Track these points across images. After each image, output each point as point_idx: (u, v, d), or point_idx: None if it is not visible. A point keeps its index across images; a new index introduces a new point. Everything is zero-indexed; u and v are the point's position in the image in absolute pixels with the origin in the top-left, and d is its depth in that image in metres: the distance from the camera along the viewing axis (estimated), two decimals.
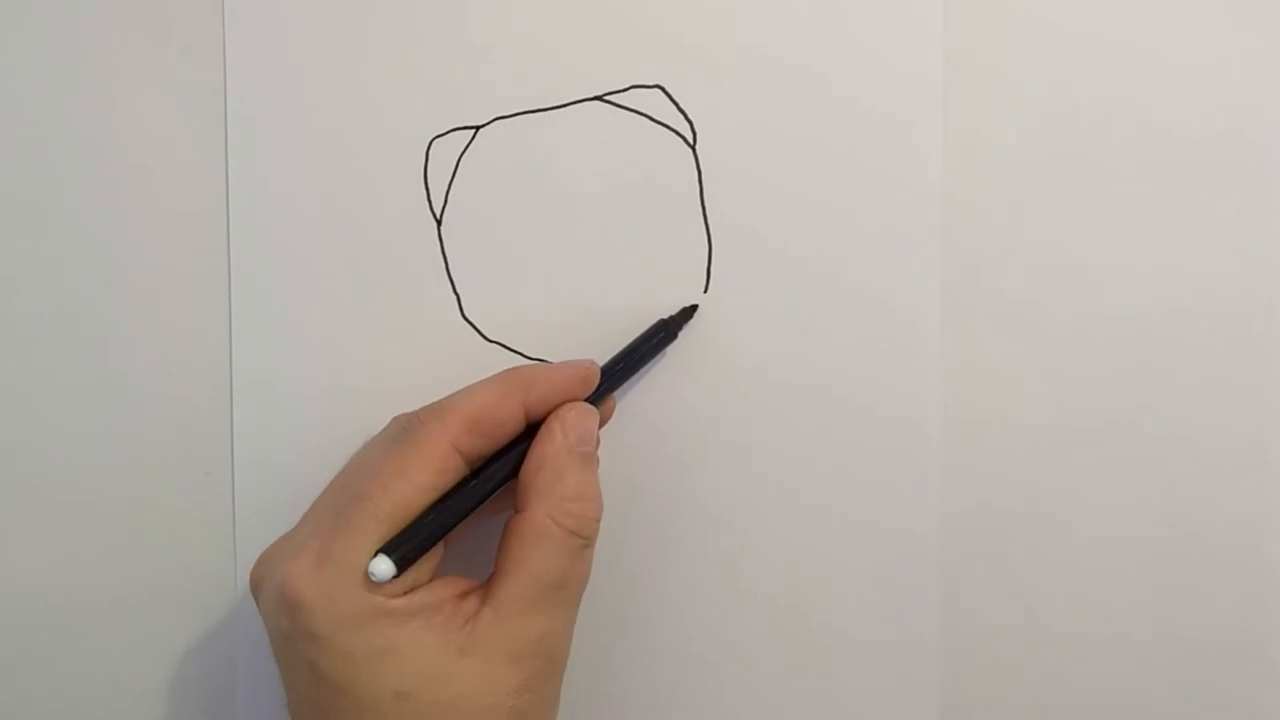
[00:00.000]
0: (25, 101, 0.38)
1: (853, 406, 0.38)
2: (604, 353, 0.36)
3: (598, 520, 0.33)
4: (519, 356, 0.38)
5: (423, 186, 0.38)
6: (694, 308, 0.37)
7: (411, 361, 0.37)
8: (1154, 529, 0.38)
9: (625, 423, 0.38)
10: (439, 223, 0.38)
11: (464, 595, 0.33)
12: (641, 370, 0.37)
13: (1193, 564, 0.38)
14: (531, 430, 0.34)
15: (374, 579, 0.31)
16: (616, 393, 0.37)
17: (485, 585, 0.33)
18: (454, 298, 0.38)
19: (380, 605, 0.31)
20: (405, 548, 0.31)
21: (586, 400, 0.34)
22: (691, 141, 0.37)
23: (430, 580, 0.33)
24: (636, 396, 0.38)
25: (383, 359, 0.38)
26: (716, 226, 0.37)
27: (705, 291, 0.37)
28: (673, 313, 0.37)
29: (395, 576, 0.31)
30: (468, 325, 0.38)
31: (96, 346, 0.38)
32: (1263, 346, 0.37)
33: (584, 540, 0.33)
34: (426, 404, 0.34)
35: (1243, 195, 0.37)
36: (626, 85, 0.37)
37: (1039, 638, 0.38)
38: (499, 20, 0.37)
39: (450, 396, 0.33)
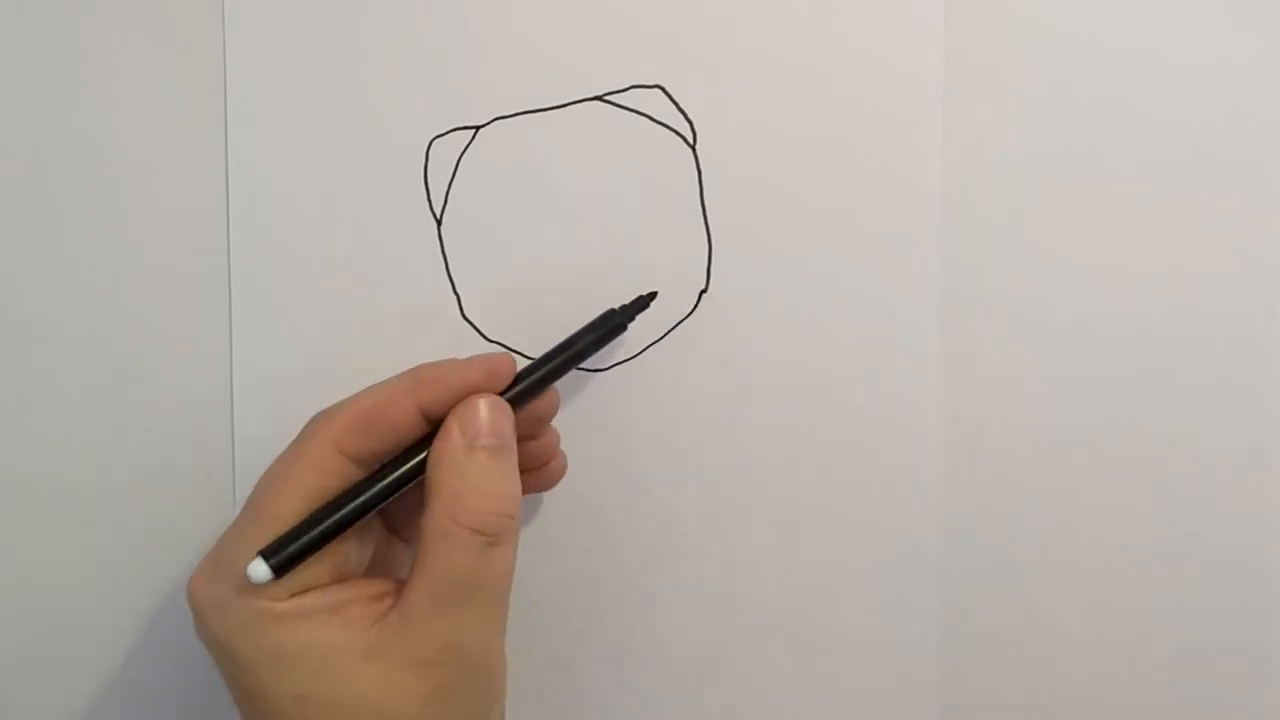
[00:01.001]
0: (25, 101, 0.37)
1: (853, 406, 0.38)
2: (607, 355, 0.36)
3: (507, 516, 0.32)
4: (519, 356, 0.38)
5: (423, 186, 0.38)
6: (651, 295, 0.36)
7: (412, 362, 0.36)
8: (1154, 529, 0.38)
9: (624, 422, 0.38)
10: (439, 223, 0.38)
11: (379, 597, 0.32)
12: (639, 370, 0.37)
13: (1193, 564, 0.38)
14: (430, 437, 0.33)
15: (253, 582, 0.30)
16: (625, 388, 0.36)
17: (401, 588, 0.32)
18: (454, 298, 0.38)
19: (265, 609, 0.31)
20: (286, 551, 0.31)
21: (518, 394, 0.33)
22: (691, 141, 0.37)
23: (332, 582, 0.32)
24: (635, 396, 0.38)
25: (383, 359, 0.38)
26: (716, 226, 0.37)
27: (705, 291, 0.37)
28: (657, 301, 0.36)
29: (274, 580, 0.30)
30: (468, 325, 0.38)
31: (96, 347, 0.38)
32: (1263, 346, 0.37)
33: (489, 538, 0.31)
34: None
35: (1243, 195, 0.37)
36: (626, 85, 0.37)
37: (1039, 638, 0.38)
38: (499, 20, 0.37)
39: (350, 396, 0.33)
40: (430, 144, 0.37)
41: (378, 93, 0.37)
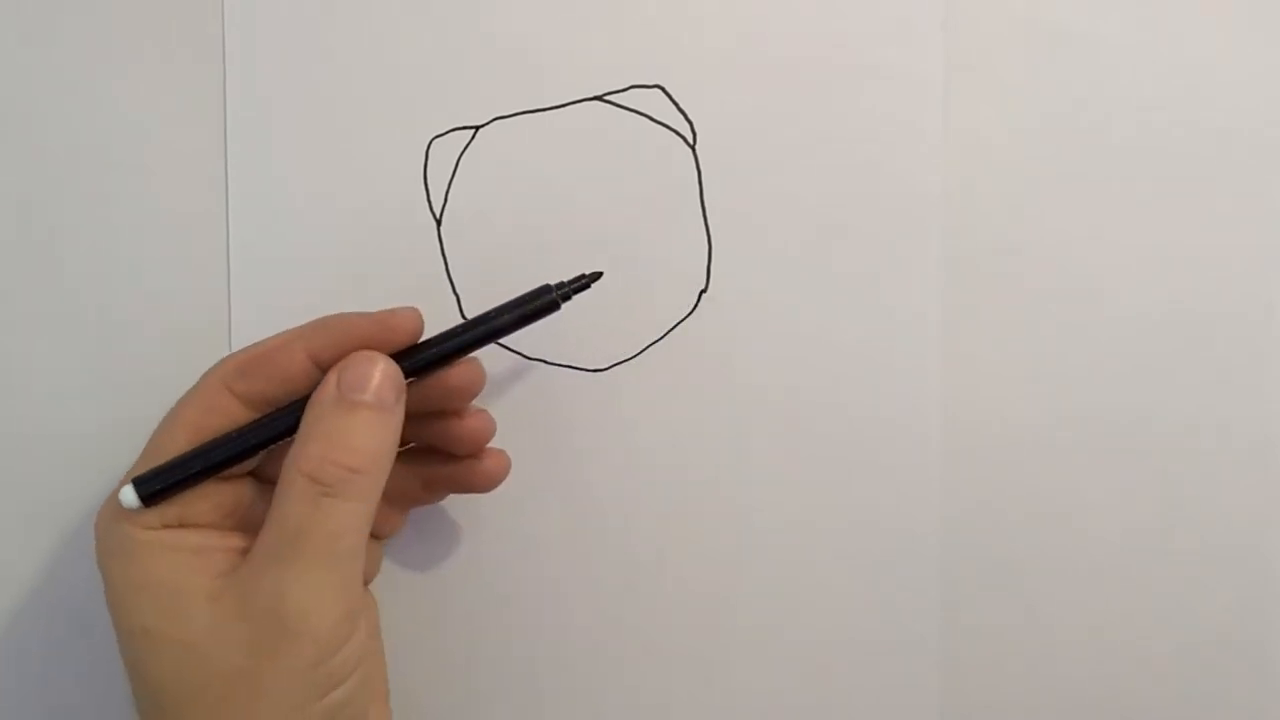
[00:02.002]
0: (25, 101, 0.37)
1: (852, 406, 0.38)
2: (607, 355, 0.36)
3: (349, 470, 0.30)
4: (519, 357, 0.38)
5: (423, 186, 0.38)
6: (595, 275, 0.34)
7: None
8: (1154, 528, 0.38)
9: (624, 422, 0.38)
10: (439, 223, 0.38)
11: (245, 552, 0.31)
12: (639, 370, 0.37)
13: (1193, 564, 0.38)
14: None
15: (124, 507, 0.31)
16: (625, 388, 0.36)
17: None
18: (454, 298, 0.38)
19: (130, 536, 0.31)
20: (158, 480, 0.31)
21: (418, 360, 0.32)
22: (691, 141, 0.37)
23: (212, 526, 0.32)
24: (635, 396, 0.38)
25: None
26: (716, 226, 0.37)
27: (705, 291, 0.37)
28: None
29: (144, 508, 0.31)
30: None
31: (96, 347, 0.38)
32: (1263, 346, 0.37)
33: (323, 487, 0.30)
34: None
35: (1243, 195, 0.37)
36: (626, 85, 0.37)
37: (1039, 638, 0.38)
38: (499, 20, 0.37)
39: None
40: (430, 144, 0.37)
41: (378, 93, 0.37)
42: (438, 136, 0.37)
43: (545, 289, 0.33)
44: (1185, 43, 0.37)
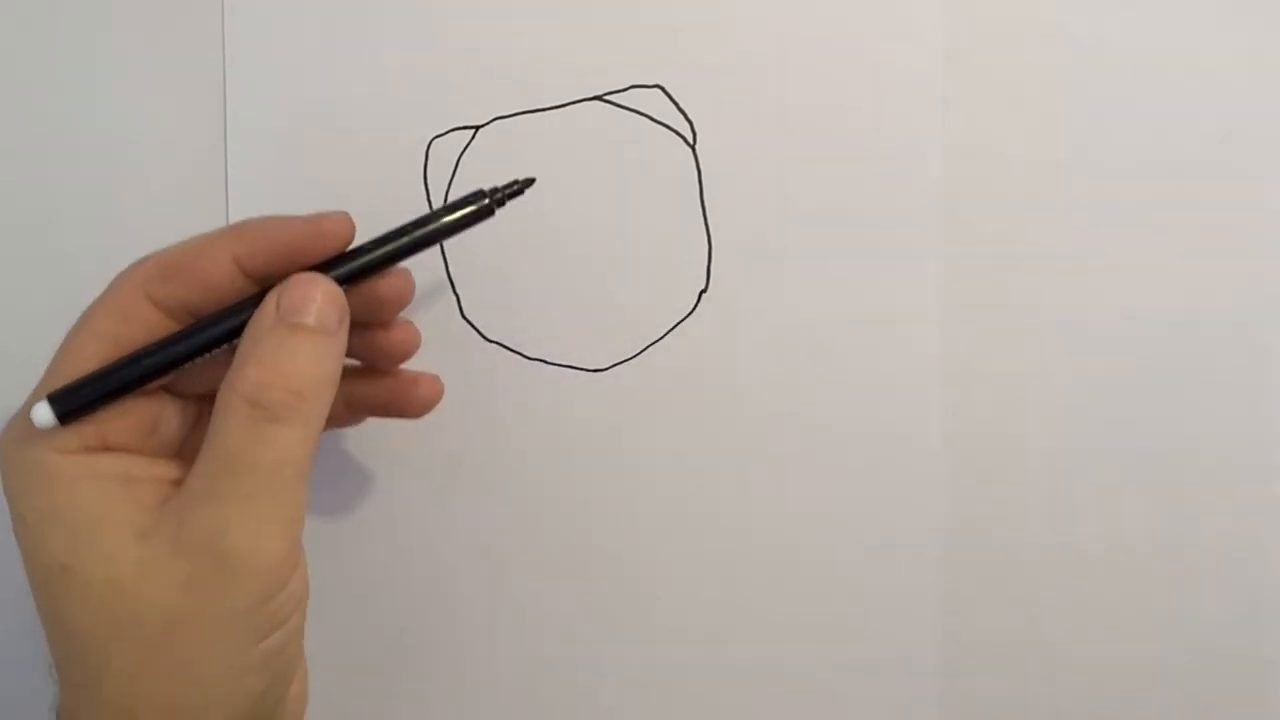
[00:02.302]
0: (24, 101, 0.37)
1: (852, 407, 0.38)
2: (607, 355, 0.36)
3: (293, 394, 0.28)
4: (519, 357, 0.38)
5: (423, 186, 0.38)
6: (529, 181, 0.32)
7: (412, 361, 0.37)
8: (1154, 533, 0.38)
9: (624, 422, 0.38)
10: None
11: (175, 481, 0.29)
12: (639, 370, 0.37)
13: (1193, 568, 0.38)
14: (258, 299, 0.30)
15: (35, 424, 0.28)
16: (625, 388, 0.36)
17: None
18: (454, 298, 0.38)
19: (46, 461, 0.28)
20: (76, 396, 0.28)
21: (354, 266, 0.30)
22: (691, 141, 0.37)
23: (131, 451, 0.29)
24: (635, 396, 0.38)
25: None
26: (716, 226, 0.37)
27: (705, 291, 0.37)
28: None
29: (59, 427, 0.28)
30: (468, 325, 0.38)
31: None
32: (1264, 351, 0.37)
33: (263, 411, 0.28)
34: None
35: (1244, 196, 0.37)
36: (626, 85, 0.37)
37: (1039, 642, 0.38)
38: (499, 20, 0.37)
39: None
40: (430, 144, 0.37)
41: (378, 93, 0.37)
42: (438, 136, 0.37)
43: (480, 193, 0.32)
44: (1185, 42, 0.37)
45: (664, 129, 0.37)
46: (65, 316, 0.38)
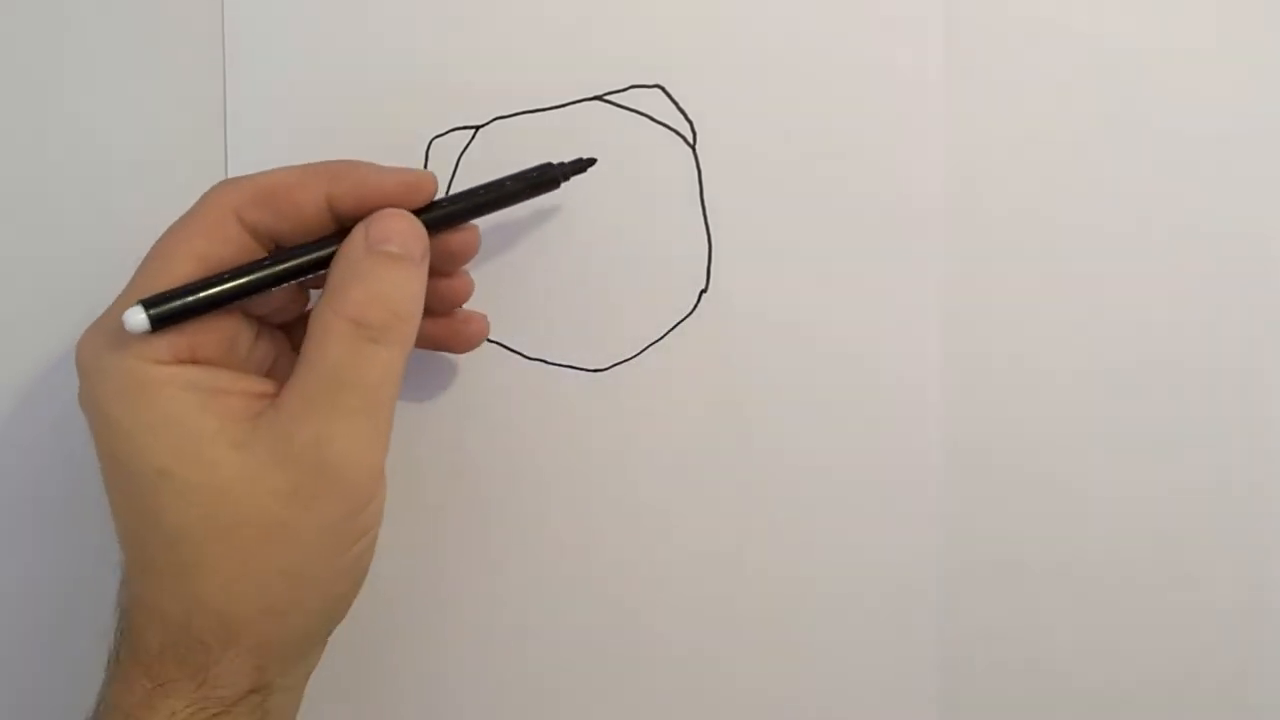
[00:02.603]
0: (25, 101, 0.38)
1: (853, 406, 0.38)
2: (607, 355, 0.36)
3: (394, 316, 0.30)
4: (519, 356, 0.38)
5: None
6: (590, 161, 0.35)
7: (412, 362, 0.37)
8: (1156, 530, 0.38)
9: (624, 422, 0.38)
10: None
11: (261, 395, 0.31)
12: (639, 370, 0.37)
13: (1194, 566, 0.38)
14: (344, 235, 0.31)
15: (127, 329, 0.29)
16: (625, 388, 0.36)
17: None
18: None
19: (141, 371, 0.29)
20: (168, 304, 0.29)
21: (435, 216, 0.32)
22: (691, 141, 0.37)
23: (217, 365, 0.31)
24: (635, 396, 0.38)
25: None
26: (716, 226, 0.37)
27: (705, 291, 0.37)
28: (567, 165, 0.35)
29: (151, 333, 0.29)
30: None
31: None
32: (1267, 347, 0.37)
33: (370, 331, 0.30)
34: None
35: (1244, 193, 0.37)
36: (626, 85, 0.37)
37: (1039, 639, 0.38)
38: (499, 20, 0.37)
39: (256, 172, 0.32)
40: (430, 144, 0.37)
41: (378, 93, 0.37)
42: (438, 136, 0.37)
43: (548, 166, 0.34)
44: (1185, 41, 0.37)
45: (664, 129, 0.37)
46: (65, 316, 0.38)
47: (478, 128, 0.37)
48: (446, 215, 0.33)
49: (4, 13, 0.37)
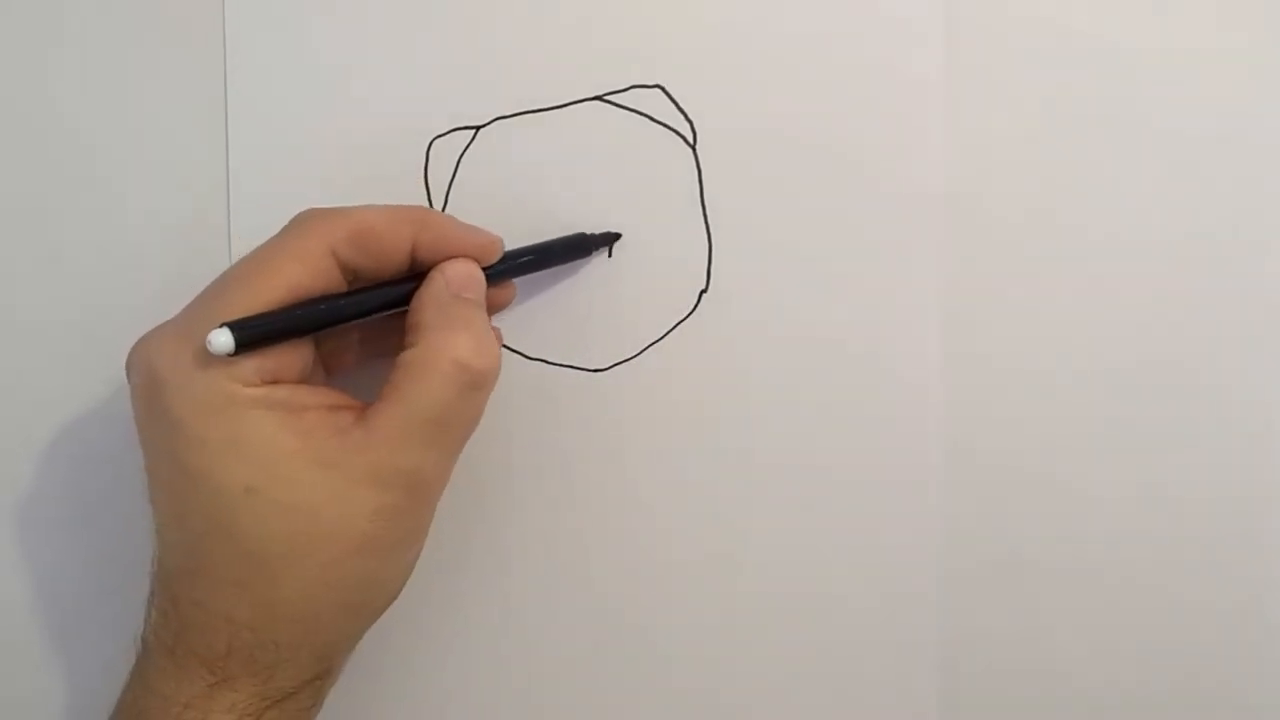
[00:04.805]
0: (25, 101, 0.38)
1: (853, 406, 0.38)
2: (607, 355, 0.36)
3: (493, 368, 0.32)
4: (519, 357, 0.38)
5: (423, 186, 0.38)
6: (616, 235, 0.37)
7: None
8: (1155, 530, 0.38)
9: (624, 422, 0.38)
10: None
11: (337, 409, 0.32)
12: (639, 370, 0.37)
13: (1194, 566, 0.38)
14: (419, 276, 0.33)
15: (210, 350, 0.29)
16: (625, 388, 0.36)
17: (364, 408, 0.32)
18: None
19: (230, 392, 0.30)
20: (254, 328, 0.30)
21: (493, 271, 0.34)
22: (691, 141, 0.37)
23: (299, 383, 0.32)
24: (635, 396, 0.38)
25: None
26: (716, 226, 0.37)
27: (705, 291, 0.37)
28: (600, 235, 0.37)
29: (233, 354, 0.30)
30: None
31: (96, 348, 0.38)
32: (1267, 348, 0.37)
33: (474, 378, 0.32)
34: None
35: (1245, 193, 0.37)
36: (626, 85, 0.37)
37: (1039, 639, 0.38)
38: (499, 20, 0.37)
39: (346, 207, 0.33)
40: (430, 144, 0.37)
41: (378, 93, 0.37)
42: (438, 136, 0.37)
43: (583, 236, 0.37)
44: (1185, 40, 0.37)
45: (664, 129, 0.37)
46: (65, 316, 0.38)
47: (478, 128, 0.37)
48: (502, 271, 0.35)
49: (3, 13, 0.37)
